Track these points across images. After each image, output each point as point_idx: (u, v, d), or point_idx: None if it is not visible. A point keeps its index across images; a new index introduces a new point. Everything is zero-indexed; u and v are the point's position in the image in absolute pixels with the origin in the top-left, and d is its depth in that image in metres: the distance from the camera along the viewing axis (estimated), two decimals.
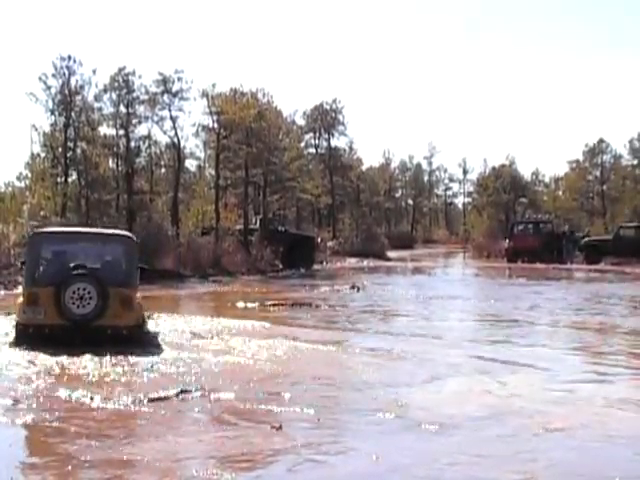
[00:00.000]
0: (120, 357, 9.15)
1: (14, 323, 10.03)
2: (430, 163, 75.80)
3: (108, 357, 9.09)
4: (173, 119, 28.74)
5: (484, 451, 5.81)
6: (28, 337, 9.53)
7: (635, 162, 49.79)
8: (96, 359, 9.00)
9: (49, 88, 26.47)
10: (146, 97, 28.45)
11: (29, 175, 28.07)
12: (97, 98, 27.76)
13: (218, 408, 6.98)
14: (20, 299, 10.04)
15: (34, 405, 6.94)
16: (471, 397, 7.66)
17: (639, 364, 9.89)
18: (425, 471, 5.43)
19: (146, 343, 10.00)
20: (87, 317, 9.65)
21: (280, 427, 6.26)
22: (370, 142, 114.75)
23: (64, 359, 8.92)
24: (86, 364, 8.83)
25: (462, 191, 75.19)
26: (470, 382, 8.42)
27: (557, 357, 10.03)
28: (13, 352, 9.35)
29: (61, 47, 73.21)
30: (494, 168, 55.15)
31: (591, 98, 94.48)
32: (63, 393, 7.35)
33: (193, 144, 37.96)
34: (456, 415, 6.86)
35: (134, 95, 28.29)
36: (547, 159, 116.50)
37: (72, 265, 9.98)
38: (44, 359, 8.93)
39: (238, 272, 25.68)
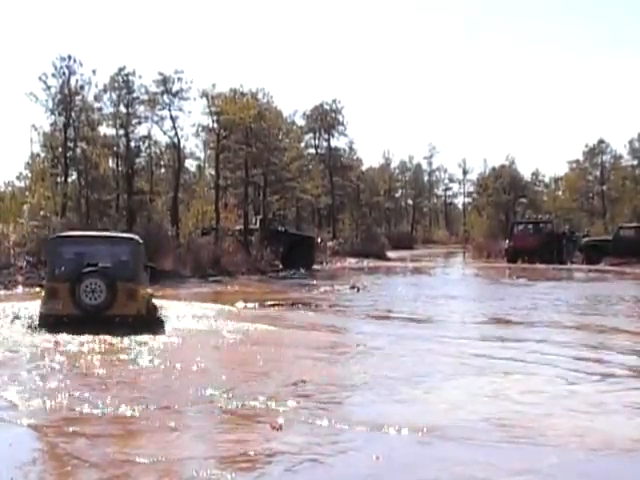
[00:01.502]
0: (125, 351, 9.67)
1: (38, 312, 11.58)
2: (430, 163, 75.97)
3: (113, 352, 9.59)
4: (173, 119, 28.78)
5: (484, 452, 5.81)
6: (49, 324, 11.01)
7: (635, 162, 49.77)
8: (102, 352, 9.55)
9: (49, 88, 26.53)
10: (146, 97, 28.48)
11: (29, 175, 28.13)
12: (97, 98, 27.81)
13: (218, 407, 6.97)
14: (43, 292, 11.83)
15: (34, 403, 6.94)
16: (471, 398, 7.65)
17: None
18: (425, 471, 5.42)
19: (152, 331, 10.97)
20: (98, 308, 11.22)
21: (280, 427, 6.26)
22: (370, 142, 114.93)
23: (71, 351, 9.56)
24: (89, 358, 9.16)
25: (462, 191, 75.33)
26: (470, 383, 8.42)
27: (556, 359, 9.99)
28: (28, 340, 10.34)
29: (61, 47, 73.32)
30: (494, 168, 55.17)
31: (591, 98, 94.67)
32: (64, 390, 7.35)
33: (193, 144, 38.16)
34: (456, 416, 6.86)
35: (134, 95, 28.33)
36: (547, 159, 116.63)
37: (86, 264, 11.51)
38: (51, 350, 9.57)
39: (238, 272, 25.68)
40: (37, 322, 11.32)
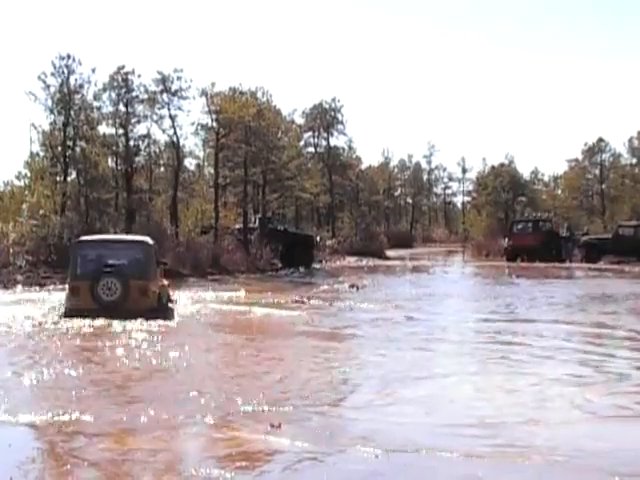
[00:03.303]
0: (126, 341, 10.17)
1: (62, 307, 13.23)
2: (429, 162, 75.79)
3: (117, 344, 10.11)
4: (172, 118, 28.74)
5: (482, 452, 5.81)
6: (72, 317, 12.32)
7: (634, 161, 49.81)
8: (107, 345, 10.05)
9: (48, 87, 26.45)
10: (145, 96, 28.45)
11: (28, 174, 28.05)
12: (96, 97, 27.78)
13: (217, 406, 6.97)
14: (67, 290, 13.46)
15: (34, 404, 6.95)
16: (468, 398, 7.66)
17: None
18: (425, 471, 5.43)
19: (160, 322, 12.13)
20: (114, 303, 12.73)
21: (279, 425, 6.25)
22: (369, 141, 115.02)
23: (80, 350, 9.92)
24: (93, 351, 9.56)
25: (461, 190, 75.24)
26: (468, 382, 8.43)
27: (554, 361, 9.95)
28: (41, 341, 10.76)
29: (60, 46, 73.10)
30: (493, 167, 55.10)
31: (590, 97, 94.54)
32: (66, 391, 7.35)
33: (192, 143, 38.14)
34: (455, 414, 6.86)
35: (133, 94, 28.31)
36: (546, 158, 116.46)
37: (103, 264, 13.12)
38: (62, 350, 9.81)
39: (237, 271, 25.69)
40: (62, 316, 12.72)
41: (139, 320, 12.09)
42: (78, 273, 13.32)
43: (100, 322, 12.02)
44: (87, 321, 12.01)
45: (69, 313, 12.70)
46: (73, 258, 13.63)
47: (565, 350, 10.61)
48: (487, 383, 8.32)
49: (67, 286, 13.56)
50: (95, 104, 27.82)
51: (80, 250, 13.77)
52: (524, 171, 58.04)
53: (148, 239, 14.42)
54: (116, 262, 13.30)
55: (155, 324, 11.97)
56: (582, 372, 9.01)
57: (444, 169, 76.68)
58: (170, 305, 14.30)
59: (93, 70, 27.08)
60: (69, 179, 27.10)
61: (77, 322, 12.02)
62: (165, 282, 14.55)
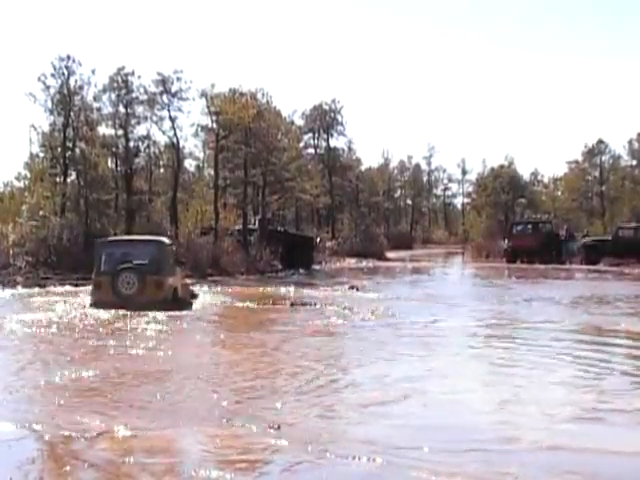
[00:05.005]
0: (135, 349, 9.98)
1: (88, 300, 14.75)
2: (429, 163, 75.98)
3: (120, 337, 10.37)
4: (172, 119, 28.78)
5: (481, 453, 5.81)
6: (96, 308, 13.76)
7: (634, 163, 49.87)
8: (113, 349, 9.95)
9: (48, 88, 26.46)
10: (145, 97, 28.50)
11: (28, 175, 28.08)
12: (96, 98, 27.81)
13: (217, 406, 6.97)
14: (92, 285, 15.03)
15: (34, 404, 6.95)
16: (467, 398, 7.66)
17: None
18: (425, 472, 5.42)
19: (169, 317, 12.93)
20: (132, 296, 14.14)
21: (278, 427, 6.25)
22: (369, 142, 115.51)
23: (86, 350, 9.94)
24: (99, 355, 9.24)
25: (461, 191, 75.40)
26: (467, 383, 8.43)
27: (552, 362, 9.96)
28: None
29: (60, 47, 73.13)
30: (493, 168, 55.16)
31: (590, 99, 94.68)
32: (67, 391, 7.36)
33: (192, 144, 38.03)
34: (454, 412, 6.87)
35: (133, 95, 28.35)
36: (546, 159, 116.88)
37: (122, 261, 14.59)
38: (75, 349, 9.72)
39: (237, 272, 25.69)
40: (87, 307, 14.12)
41: (154, 316, 12.93)
42: (101, 269, 14.77)
43: (111, 319, 12.81)
44: (100, 318, 12.86)
45: (93, 305, 14.11)
46: (97, 256, 15.04)
47: (562, 354, 10.60)
48: (484, 385, 8.32)
49: (92, 281, 15.04)
50: (95, 105, 27.88)
51: (104, 249, 15.28)
52: (524, 172, 58.19)
53: (165, 239, 16.11)
54: (135, 259, 14.69)
55: (168, 322, 12.44)
56: (578, 376, 9.01)
57: (444, 170, 76.91)
58: (191, 300, 15.71)
59: (93, 71, 27.12)
60: (69, 180, 27.10)
61: (89, 320, 12.73)
62: (188, 281, 16.56)
